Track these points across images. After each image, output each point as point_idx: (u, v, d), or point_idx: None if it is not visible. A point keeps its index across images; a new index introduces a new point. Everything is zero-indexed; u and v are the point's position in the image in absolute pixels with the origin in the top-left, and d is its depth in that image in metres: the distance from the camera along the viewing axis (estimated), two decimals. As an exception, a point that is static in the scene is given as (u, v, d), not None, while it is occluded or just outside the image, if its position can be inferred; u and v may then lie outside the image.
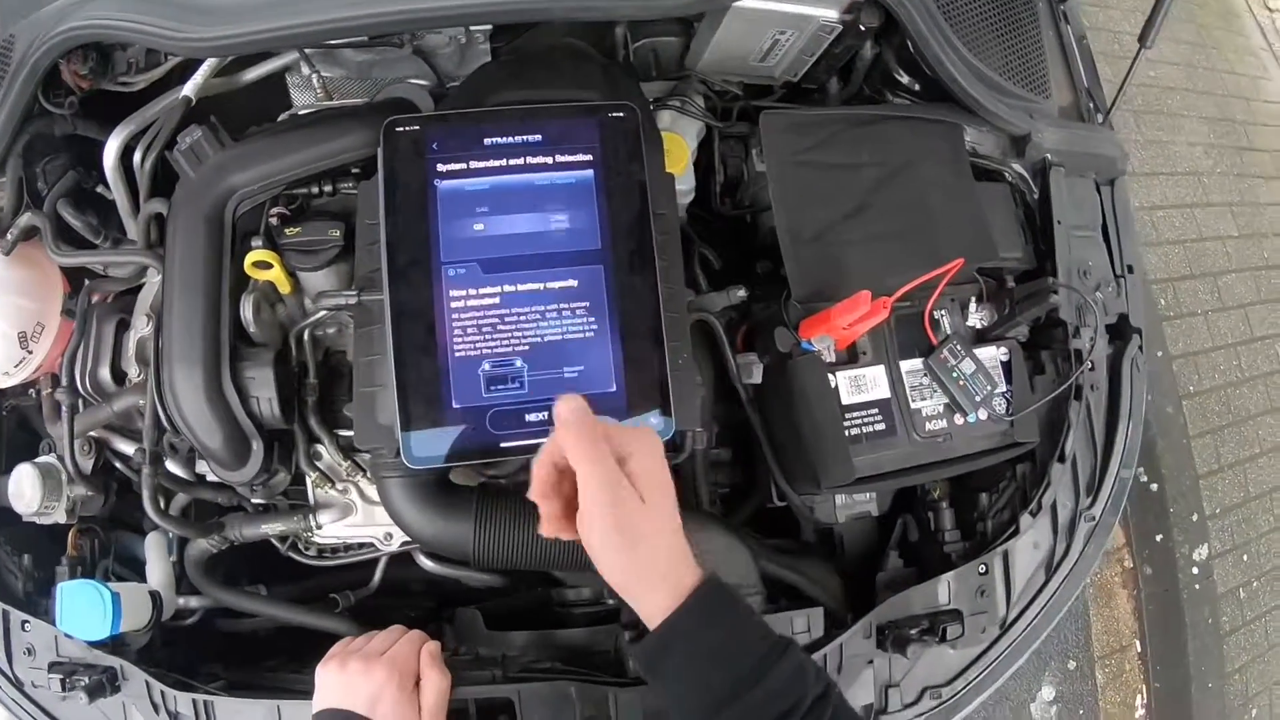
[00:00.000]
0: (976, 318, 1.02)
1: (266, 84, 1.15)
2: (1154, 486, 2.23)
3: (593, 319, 0.86)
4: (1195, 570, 2.21)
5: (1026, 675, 2.05)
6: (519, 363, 0.85)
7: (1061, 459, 1.02)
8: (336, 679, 0.85)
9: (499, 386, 0.84)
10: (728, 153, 1.10)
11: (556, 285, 0.86)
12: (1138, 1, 2.80)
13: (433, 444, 0.83)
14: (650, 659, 0.67)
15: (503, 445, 0.84)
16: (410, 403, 0.83)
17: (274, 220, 0.97)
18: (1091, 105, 1.15)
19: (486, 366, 0.84)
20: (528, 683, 0.89)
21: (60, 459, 1.04)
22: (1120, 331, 1.08)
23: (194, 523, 1.03)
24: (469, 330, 0.85)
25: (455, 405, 0.84)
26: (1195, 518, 2.25)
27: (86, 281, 1.08)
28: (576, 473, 0.64)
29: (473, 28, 1.08)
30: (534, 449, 0.84)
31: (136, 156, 1.04)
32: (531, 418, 0.84)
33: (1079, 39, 1.19)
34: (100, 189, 1.09)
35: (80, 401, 1.05)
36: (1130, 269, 1.10)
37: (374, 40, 1.09)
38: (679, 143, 1.03)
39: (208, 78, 1.05)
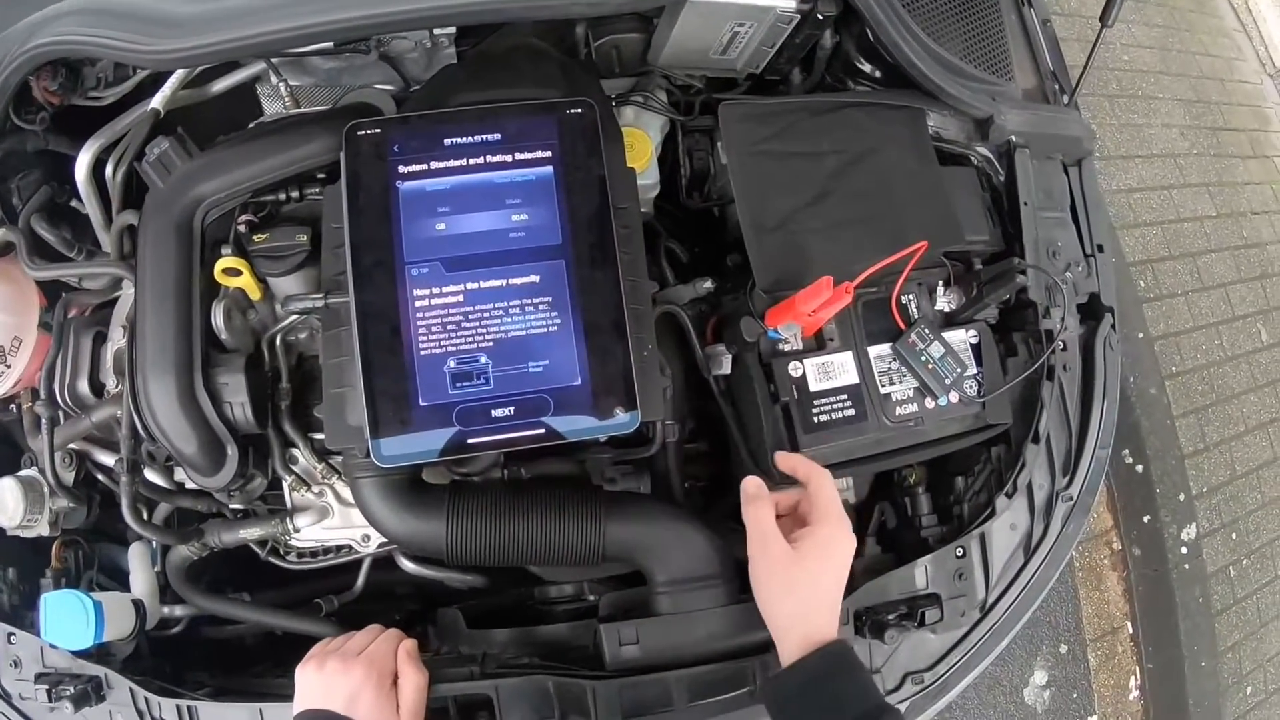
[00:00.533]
0: (945, 301, 1.03)
1: (237, 95, 1.16)
2: (1140, 468, 2.23)
3: (556, 314, 0.86)
4: (1184, 550, 2.21)
5: (1019, 660, 2.04)
6: (484, 359, 0.85)
7: (1036, 439, 1.02)
8: (315, 679, 0.85)
9: (465, 383, 0.85)
10: (693, 146, 1.11)
11: (519, 281, 0.87)
12: (1107, -13, 2.80)
13: (401, 443, 0.84)
14: (779, 694, 0.79)
15: (470, 441, 0.84)
16: (378, 403, 0.84)
17: (242, 227, 0.98)
18: (1057, 88, 1.15)
19: (452, 364, 0.85)
20: (506, 678, 0.89)
21: (42, 472, 1.05)
22: (1092, 311, 1.09)
23: (174, 530, 1.03)
24: (433, 329, 0.85)
25: (422, 403, 0.84)
26: (1182, 498, 2.25)
27: (63, 295, 1.09)
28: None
29: (437, 31, 1.09)
30: (501, 444, 0.85)
31: (108, 169, 1.05)
32: (498, 413, 0.84)
33: (1043, 22, 1.19)
34: (74, 203, 1.11)
35: (60, 414, 1.06)
36: (1101, 248, 1.10)
37: (340, 47, 1.10)
38: (642, 138, 1.04)
39: (176, 90, 1.06)
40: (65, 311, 1.08)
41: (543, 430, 0.85)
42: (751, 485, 0.85)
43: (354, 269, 0.86)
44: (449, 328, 0.85)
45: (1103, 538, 2.21)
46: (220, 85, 1.12)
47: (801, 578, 0.79)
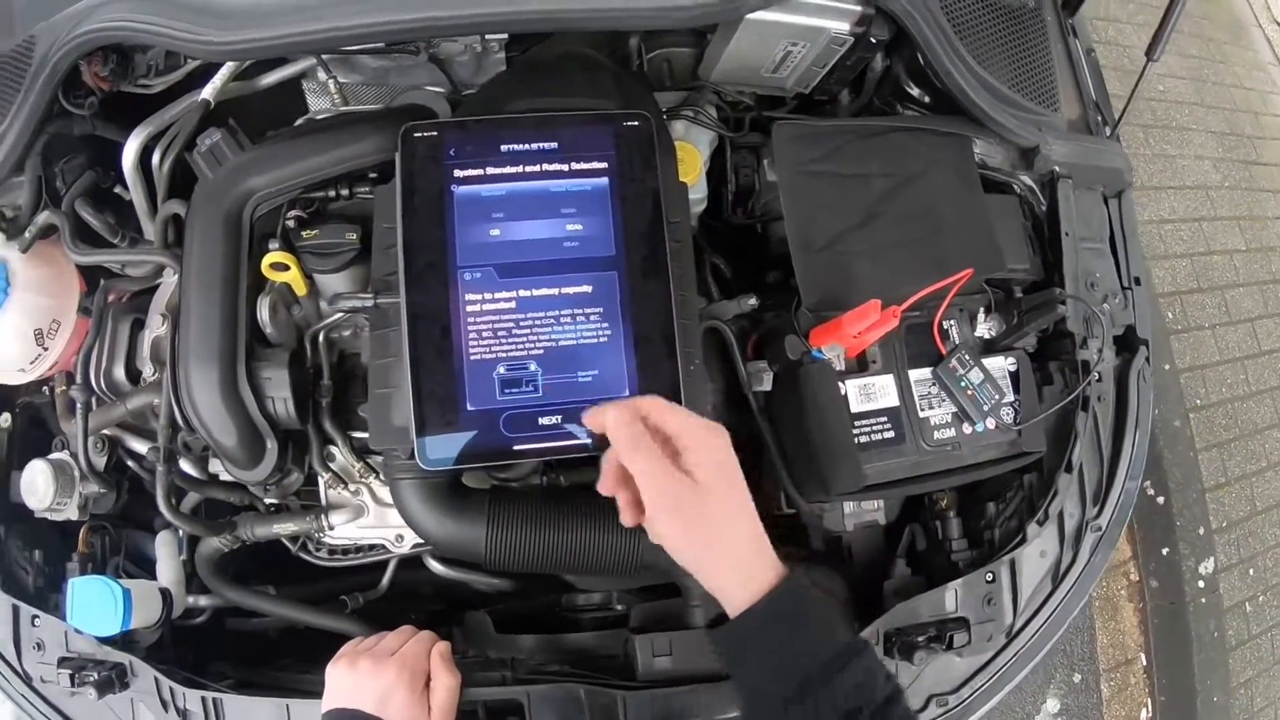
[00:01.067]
0: (985, 328, 1.03)
1: (281, 88, 1.16)
2: (1161, 499, 2.23)
3: (606, 324, 0.86)
4: (1201, 584, 2.20)
5: (1032, 688, 2.04)
6: (533, 366, 0.85)
7: (1069, 469, 1.02)
8: (346, 678, 0.85)
9: (513, 390, 0.85)
10: (740, 163, 1.12)
11: (571, 291, 0.87)
12: (1146, 16, 2.81)
13: (447, 446, 0.84)
14: (728, 646, 0.69)
15: (516, 448, 0.84)
16: (425, 405, 0.84)
17: (291, 223, 0.98)
18: (1099, 118, 1.16)
19: (501, 370, 0.85)
20: (537, 685, 0.90)
21: (73, 456, 1.05)
22: (1127, 343, 1.09)
23: (206, 521, 1.03)
24: (484, 334, 0.86)
25: (470, 408, 0.84)
26: (1202, 531, 2.25)
27: (102, 281, 1.09)
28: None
29: (488, 37, 1.10)
30: (547, 452, 0.86)
31: (155, 158, 1.05)
32: (545, 421, 0.85)
33: (1087, 52, 1.20)
34: (117, 189, 1.11)
35: (94, 399, 1.06)
36: (1137, 281, 1.11)
37: (390, 47, 1.11)
38: (692, 152, 1.04)
39: (226, 81, 1.06)
40: (105, 297, 1.07)
41: (590, 440, 0.85)
42: (624, 433, 0.68)
43: (406, 270, 0.86)
44: (500, 334, 0.86)
45: (1121, 568, 2.21)
46: (270, 79, 1.12)
47: (714, 513, 0.67)
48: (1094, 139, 1.13)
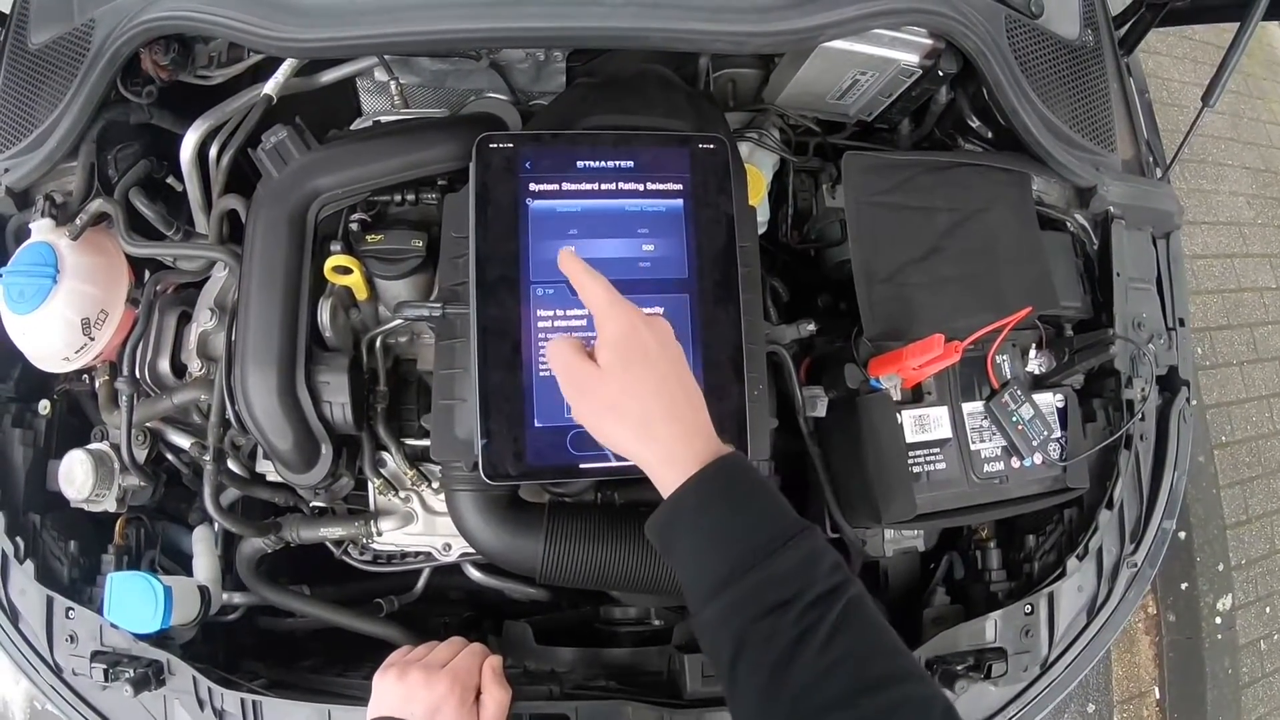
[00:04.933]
0: (1035, 364, 1.04)
1: (336, 87, 1.15)
2: (1182, 534, 2.25)
3: (677, 347, 0.86)
4: (1218, 620, 2.21)
5: (1047, 717, 2.05)
6: (603, 386, 0.85)
7: (1110, 506, 1.04)
8: (396, 688, 0.85)
9: (581, 408, 0.85)
10: (799, 186, 1.12)
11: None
12: (1186, 49, 2.80)
13: (512, 461, 0.84)
14: (658, 534, 0.66)
15: (582, 466, 0.84)
16: (491, 419, 0.84)
17: (355, 226, 0.97)
18: (1151, 159, 1.18)
19: (570, 388, 0.85)
20: (584, 700, 0.90)
21: (115, 447, 1.04)
22: (1169, 383, 1.11)
23: (252, 522, 1.02)
24: (554, 350, 0.85)
25: (537, 424, 0.84)
26: (1221, 567, 2.26)
27: (150, 273, 1.08)
28: None
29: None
30: (612, 471, 0.86)
31: (212, 151, 1.04)
32: (611, 441, 0.84)
33: (1141, 93, 1.21)
34: (169, 180, 1.09)
35: (138, 392, 1.04)
36: (1182, 322, 1.12)
37: (452, 51, 1.10)
38: (756, 175, 1.05)
39: (289, 77, 1.05)
40: (154, 289, 1.06)
41: (654, 461, 0.85)
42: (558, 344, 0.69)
43: (478, 283, 0.86)
44: (570, 351, 0.85)
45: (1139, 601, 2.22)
46: (329, 76, 1.12)
47: (616, 394, 0.66)
48: (1147, 180, 1.14)
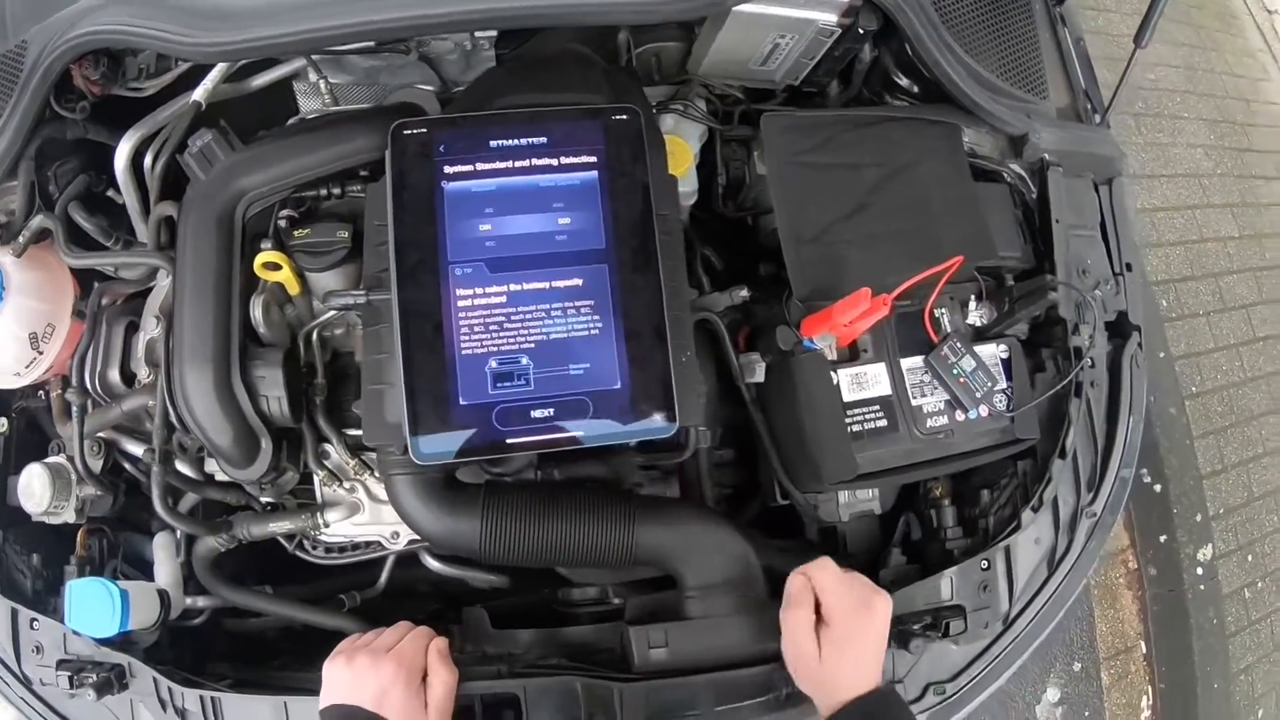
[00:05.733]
0: (976, 316, 1.04)
1: (272, 90, 1.16)
2: (1157, 487, 2.23)
3: (597, 317, 0.87)
4: (1200, 571, 2.20)
5: (1031, 677, 2.05)
6: (525, 360, 0.86)
7: (1063, 455, 1.03)
8: (344, 674, 0.85)
9: (505, 384, 0.85)
10: (730, 156, 1.12)
11: (562, 284, 0.87)
12: (1137, 4, 2.80)
13: (440, 441, 0.84)
14: None
15: (509, 441, 0.85)
16: (418, 400, 0.84)
17: (283, 222, 0.98)
18: (1089, 106, 1.17)
19: (493, 364, 0.85)
20: (533, 678, 0.90)
21: (70, 459, 1.05)
22: (1120, 329, 1.09)
23: (202, 521, 1.03)
24: (476, 328, 0.86)
25: (462, 402, 0.85)
26: (1199, 518, 2.25)
27: (96, 284, 1.10)
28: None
29: (478, 34, 1.10)
30: (539, 445, 0.86)
31: (147, 160, 1.06)
32: (537, 414, 0.85)
33: (1076, 41, 1.20)
34: (110, 192, 1.11)
35: (90, 402, 1.06)
36: (1129, 267, 1.11)
37: (381, 46, 1.11)
38: (682, 145, 1.05)
39: (217, 83, 1.07)
40: (99, 300, 1.07)
41: (581, 433, 0.85)
42: (795, 587, 0.87)
43: (398, 267, 0.87)
44: (491, 328, 0.86)
45: (1119, 556, 2.21)
46: (260, 80, 1.13)
47: (826, 676, 0.84)
48: (1083, 126, 1.13)
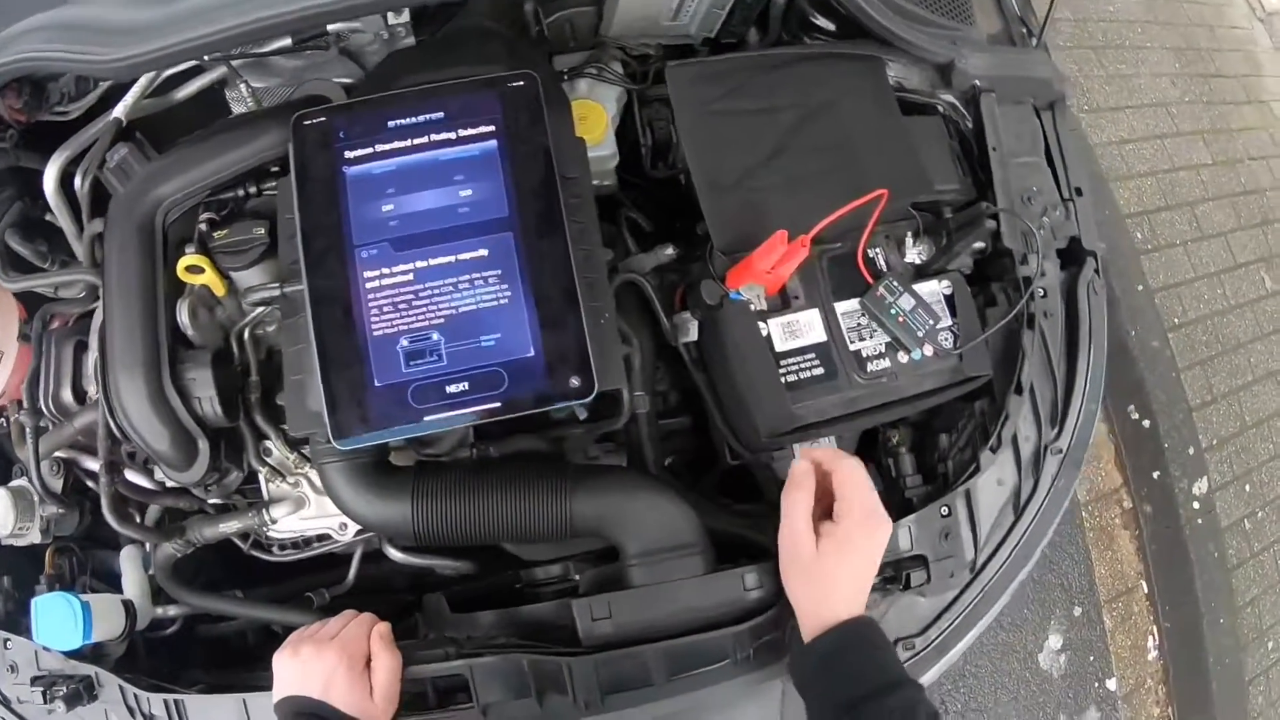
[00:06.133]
0: (915, 253, 1.00)
1: (208, 102, 1.17)
2: (1146, 423, 2.16)
3: (505, 286, 0.85)
4: (1196, 505, 2.13)
5: (1032, 625, 1.99)
6: (436, 336, 0.85)
7: (1019, 390, 0.98)
8: (291, 665, 0.86)
9: (418, 361, 0.84)
10: (653, 116, 1.10)
11: (467, 256, 0.86)
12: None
13: (358, 423, 0.83)
14: (794, 674, 0.84)
15: (426, 418, 0.84)
16: (334, 386, 0.84)
17: (204, 225, 0.99)
18: (1024, 31, 1.12)
19: (404, 343, 0.85)
20: (480, 658, 0.89)
21: (30, 481, 1.07)
22: (1074, 255, 1.05)
23: (156, 528, 1.04)
24: (385, 309, 0.85)
25: (377, 384, 0.84)
26: (1191, 451, 2.18)
27: (42, 306, 1.11)
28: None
29: (393, 21, 1.09)
30: (457, 419, 0.85)
31: (77, 180, 1.07)
32: (452, 389, 0.84)
33: (1006, -36, 1.15)
34: (48, 216, 1.13)
35: (44, 423, 1.08)
36: (1079, 191, 1.06)
37: (300, 45, 1.11)
38: (596, 109, 1.03)
39: (139, 99, 1.08)
40: (45, 322, 1.09)
41: (498, 404, 0.84)
42: (799, 471, 0.84)
43: (306, 256, 0.86)
44: (400, 307, 0.85)
45: (1112, 496, 2.13)
46: (184, 92, 1.13)
47: (818, 572, 0.81)
48: (1016, 49, 1.09)
